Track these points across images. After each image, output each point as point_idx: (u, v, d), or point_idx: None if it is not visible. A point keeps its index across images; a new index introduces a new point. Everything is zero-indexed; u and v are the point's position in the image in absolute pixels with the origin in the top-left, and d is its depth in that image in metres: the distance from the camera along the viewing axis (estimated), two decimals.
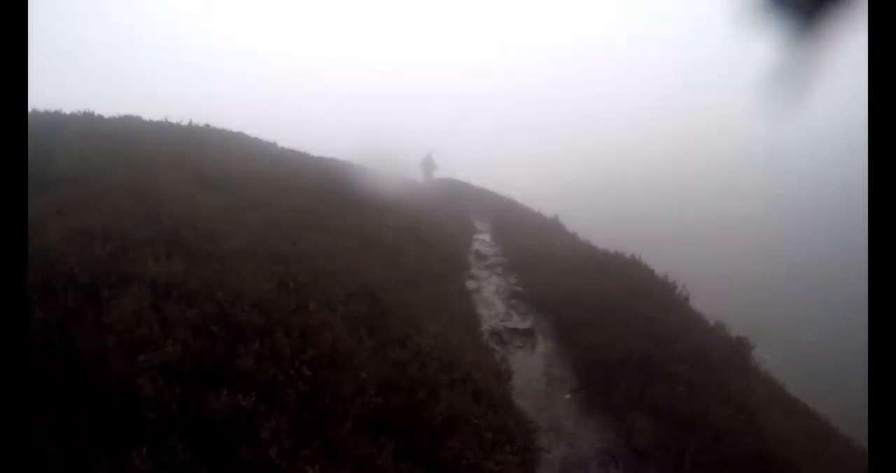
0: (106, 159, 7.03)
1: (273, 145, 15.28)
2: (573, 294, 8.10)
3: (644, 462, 5.15)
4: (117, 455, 2.41)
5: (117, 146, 8.24)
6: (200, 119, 14.57)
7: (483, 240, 13.66)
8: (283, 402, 2.86)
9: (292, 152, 15.51)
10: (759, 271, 31.65)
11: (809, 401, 8.06)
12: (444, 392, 3.90)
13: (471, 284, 9.59)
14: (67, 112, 11.46)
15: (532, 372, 6.61)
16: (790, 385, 9.40)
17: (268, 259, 4.66)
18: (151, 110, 14.03)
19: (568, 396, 6.30)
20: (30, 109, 10.23)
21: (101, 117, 12.02)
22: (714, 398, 5.63)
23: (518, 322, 8.10)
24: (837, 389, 16.68)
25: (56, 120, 10.40)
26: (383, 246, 7.73)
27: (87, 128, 9.96)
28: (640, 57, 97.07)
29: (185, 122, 13.79)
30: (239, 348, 3.09)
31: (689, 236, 38.11)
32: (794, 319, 23.29)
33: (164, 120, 13.42)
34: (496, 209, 18.48)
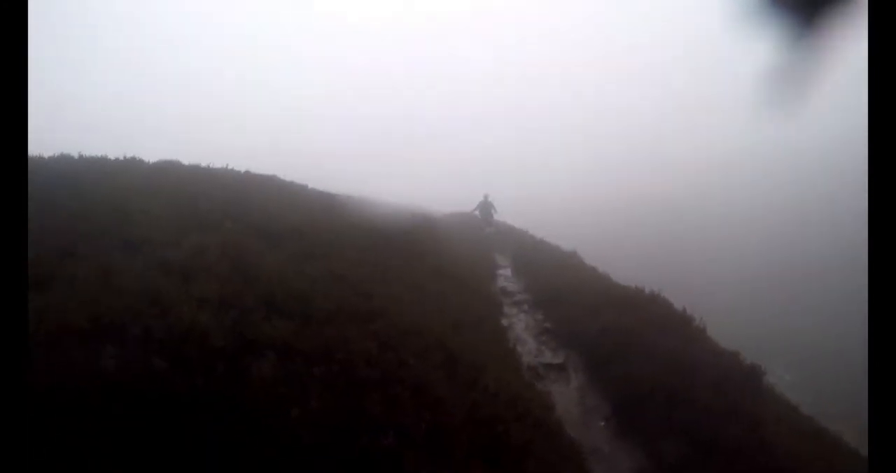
0: (173, 214, 7.67)
1: (304, 187, 15.79)
2: (600, 330, 8.91)
3: None
4: None
5: (175, 198, 8.85)
6: (235, 163, 15.06)
7: (506, 276, 14.37)
8: (413, 439, 3.68)
9: (325, 194, 16.02)
10: (772, 283, 31.92)
11: (823, 418, 8.72)
12: (513, 424, 4.74)
13: (503, 321, 10.33)
14: (111, 157, 11.74)
15: (568, 404, 7.32)
16: (808, 402, 10.18)
17: (359, 318, 5.52)
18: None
19: (602, 423, 7.05)
20: (74, 155, 10.76)
21: (143, 161, 12.48)
22: (730, 420, 6.36)
23: (551, 357, 8.92)
24: (852, 402, 17.32)
25: (102, 165, 10.81)
26: (430, 291, 8.56)
27: (139, 176, 10.48)
28: (639, 60, 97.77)
29: (222, 166, 14.30)
30: (365, 399, 3.92)
31: (702, 254, 38.29)
32: (814, 335, 23.50)
33: (201, 165, 13.87)
34: (514, 243, 19.13)
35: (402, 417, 3.84)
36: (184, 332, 3.96)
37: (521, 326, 10.57)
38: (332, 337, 4.64)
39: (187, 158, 13.95)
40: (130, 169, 11.31)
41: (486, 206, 22.67)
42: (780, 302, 28.99)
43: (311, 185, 16.28)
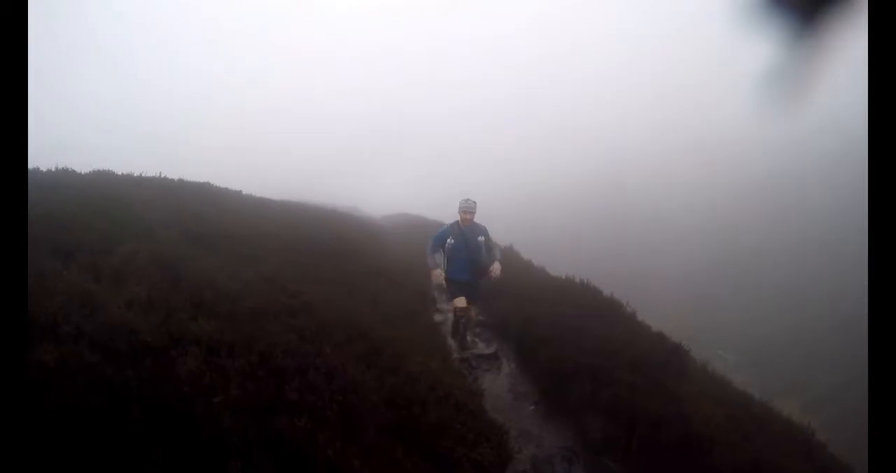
0: (105, 223, 7.97)
1: (238, 193, 16.36)
2: (530, 319, 9.56)
3: (599, 454, 6.41)
4: (218, 469, 3.40)
5: (108, 207, 9.14)
6: (170, 171, 15.36)
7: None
8: (326, 420, 4.15)
9: (260, 200, 16.54)
10: (729, 273, 32.90)
11: (769, 396, 9.43)
12: (432, 406, 5.25)
13: (438, 317, 10.94)
14: (43, 170, 11.96)
15: (500, 390, 7.87)
16: (755, 380, 10.86)
17: (282, 314, 6.02)
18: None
19: (532, 407, 7.59)
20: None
21: (75, 172, 12.74)
22: (652, 396, 6.90)
23: (483, 348, 9.64)
24: (800, 382, 18.23)
25: (34, 177, 10.70)
26: (363, 290, 9.20)
27: (71, 186, 10.73)
28: (635, 58, 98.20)
29: (155, 175, 14.70)
30: (284, 386, 4.40)
31: (654, 247, 39.17)
32: (764, 323, 24.35)
33: (134, 174, 14.20)
34: None
35: (316, 401, 4.32)
36: (113, 329, 4.37)
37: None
38: (255, 332, 5.12)
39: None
40: (63, 180, 11.54)
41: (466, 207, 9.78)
42: (734, 292, 30.01)
43: (244, 191, 16.70)
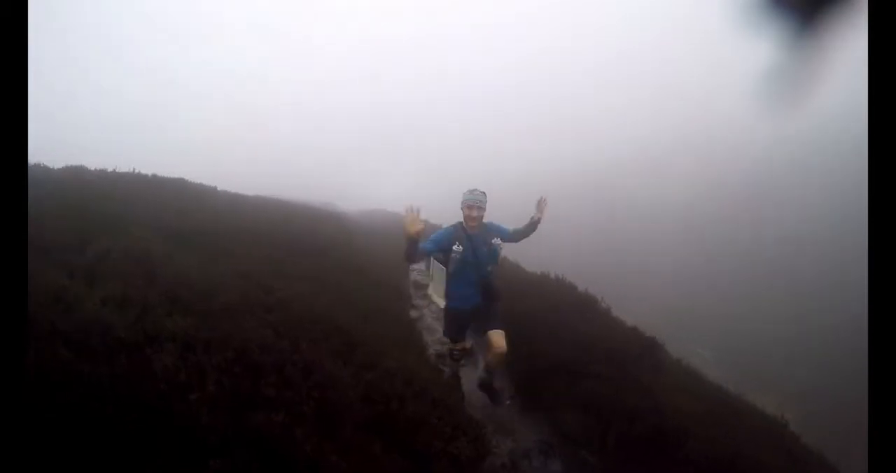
0: (78, 220, 7.95)
1: (214, 190, 16.35)
2: (507, 315, 9.59)
3: (576, 447, 6.49)
4: (198, 466, 3.38)
5: (81, 204, 9.13)
6: (146, 167, 15.28)
7: (419, 270, 14.89)
8: (303, 416, 4.18)
9: (234, 196, 16.59)
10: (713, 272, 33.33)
11: (744, 391, 9.59)
12: (409, 401, 5.29)
13: (413, 313, 11.00)
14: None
15: (475, 386, 7.91)
16: (733, 376, 11.05)
17: (258, 309, 6.04)
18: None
19: (508, 401, 7.65)
20: None
21: (48, 168, 12.70)
22: (628, 390, 7.02)
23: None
24: (778, 379, 18.48)
25: None
26: (338, 286, 9.21)
27: (42, 182, 10.54)
28: (632, 57, 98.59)
29: (129, 170, 14.65)
30: (260, 382, 4.41)
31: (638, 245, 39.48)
32: (745, 321, 24.71)
33: (107, 170, 14.15)
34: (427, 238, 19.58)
35: (294, 396, 4.34)
36: (87, 326, 4.37)
37: (431, 316, 11.28)
38: (230, 328, 5.13)
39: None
40: (35, 175, 11.31)
41: (479, 236, 6.68)
42: (721, 287, 30.44)
43: (219, 187, 16.68)
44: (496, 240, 6.63)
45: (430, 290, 6.99)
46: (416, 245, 5.94)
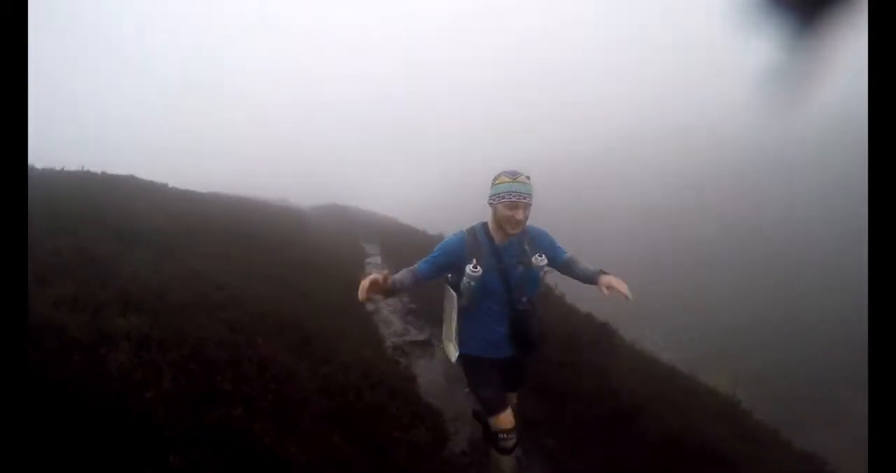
0: (31, 225, 7.79)
1: (165, 186, 16.15)
2: None
3: (536, 430, 6.59)
4: (157, 463, 3.38)
5: (31, 205, 8.89)
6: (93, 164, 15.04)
7: (375, 264, 15.01)
8: (261, 410, 4.23)
9: (185, 192, 16.28)
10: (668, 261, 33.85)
11: (698, 372, 9.93)
12: (366, 392, 5.38)
13: (370, 306, 11.02)
14: None
15: (434, 375, 7.98)
16: (689, 358, 11.31)
17: (211, 306, 6.06)
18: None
19: (466, 390, 7.73)
20: None
21: None
22: (582, 373, 7.23)
23: (416, 335, 9.70)
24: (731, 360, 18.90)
25: None
26: (292, 282, 9.24)
27: None
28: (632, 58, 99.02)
29: (79, 169, 14.38)
30: (216, 377, 4.45)
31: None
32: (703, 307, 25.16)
33: (55, 168, 13.96)
34: (382, 231, 19.67)
35: (251, 391, 4.39)
36: (41, 328, 4.35)
37: (388, 309, 11.38)
38: (185, 326, 5.16)
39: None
40: None
41: (513, 248, 4.07)
42: (686, 273, 30.96)
43: (171, 184, 16.50)
44: (541, 259, 4.08)
45: (443, 335, 4.77)
46: (389, 291, 3.98)
